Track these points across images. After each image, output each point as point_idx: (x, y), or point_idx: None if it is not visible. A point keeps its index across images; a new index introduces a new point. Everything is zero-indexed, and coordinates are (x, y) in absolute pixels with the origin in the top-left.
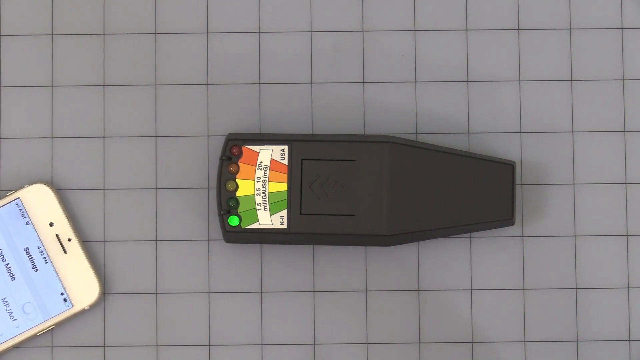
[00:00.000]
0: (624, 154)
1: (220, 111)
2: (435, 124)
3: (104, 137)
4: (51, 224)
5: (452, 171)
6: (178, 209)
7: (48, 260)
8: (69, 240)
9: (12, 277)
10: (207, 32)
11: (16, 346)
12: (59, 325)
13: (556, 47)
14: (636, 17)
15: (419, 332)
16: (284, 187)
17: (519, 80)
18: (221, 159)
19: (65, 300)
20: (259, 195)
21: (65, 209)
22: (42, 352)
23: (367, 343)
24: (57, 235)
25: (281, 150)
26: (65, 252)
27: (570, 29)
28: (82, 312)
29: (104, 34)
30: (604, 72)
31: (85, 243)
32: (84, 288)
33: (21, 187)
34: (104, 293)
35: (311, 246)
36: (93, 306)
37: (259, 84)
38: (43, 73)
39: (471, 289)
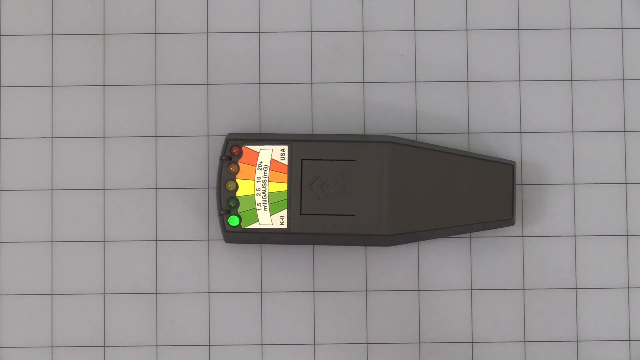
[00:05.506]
0: (624, 154)
1: (220, 111)
2: (435, 124)
3: (104, 137)
4: None
5: (452, 171)
6: (178, 209)
7: None
8: None
9: None
10: (207, 32)
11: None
12: None
13: (556, 47)
14: (636, 17)
15: (419, 332)
16: (284, 187)
17: (519, 80)
18: (221, 159)
19: None
20: (259, 195)
21: None
22: (42, 352)
23: (367, 343)
24: None
25: (281, 150)
26: None
27: (570, 29)
28: None
29: (104, 34)
30: (604, 72)
31: (85, 243)
32: None
33: None
34: (104, 293)
35: (311, 246)
36: None
37: (259, 84)
38: (43, 73)
39: (471, 289)
